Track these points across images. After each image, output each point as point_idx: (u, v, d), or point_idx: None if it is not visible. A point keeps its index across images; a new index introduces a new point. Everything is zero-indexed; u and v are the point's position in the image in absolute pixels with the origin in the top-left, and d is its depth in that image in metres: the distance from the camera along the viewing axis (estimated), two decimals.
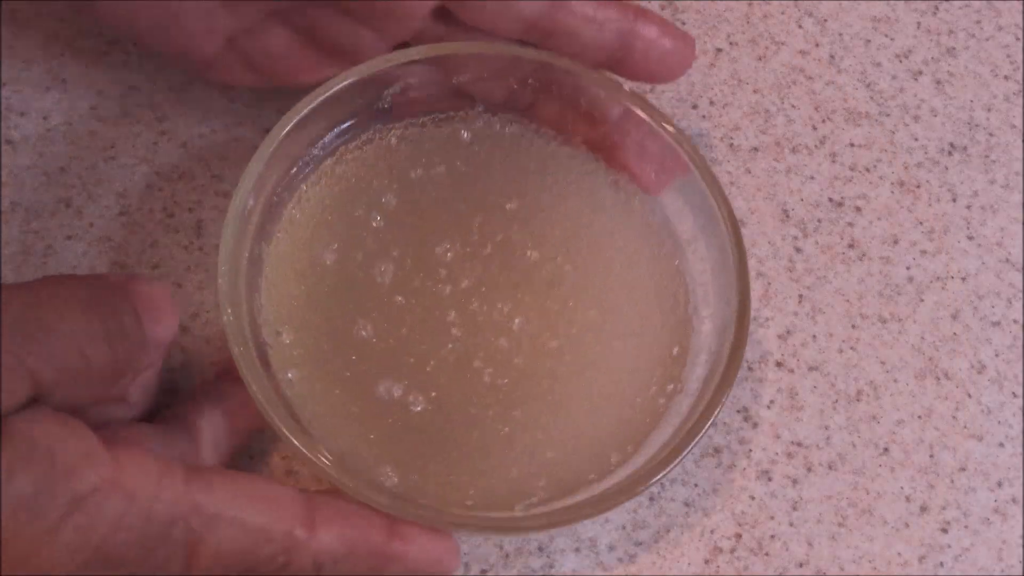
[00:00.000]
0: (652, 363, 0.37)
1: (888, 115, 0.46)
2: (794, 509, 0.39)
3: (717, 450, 0.39)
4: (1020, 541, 0.39)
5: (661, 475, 0.33)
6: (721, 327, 0.36)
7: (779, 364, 0.41)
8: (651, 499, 0.38)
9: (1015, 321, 0.42)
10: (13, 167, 0.41)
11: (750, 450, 0.39)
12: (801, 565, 0.38)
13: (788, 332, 0.41)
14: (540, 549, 0.37)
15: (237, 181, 0.35)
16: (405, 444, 0.35)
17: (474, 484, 0.34)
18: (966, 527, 0.39)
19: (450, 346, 0.36)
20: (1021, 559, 0.39)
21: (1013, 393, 0.41)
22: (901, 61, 0.47)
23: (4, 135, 0.41)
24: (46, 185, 0.41)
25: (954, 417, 0.41)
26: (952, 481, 0.40)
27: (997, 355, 0.42)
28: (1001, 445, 0.40)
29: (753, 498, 0.39)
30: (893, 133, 0.45)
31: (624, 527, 0.38)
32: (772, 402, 0.40)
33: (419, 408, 0.35)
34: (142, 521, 0.27)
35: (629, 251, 0.38)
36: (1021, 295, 0.43)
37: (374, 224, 0.37)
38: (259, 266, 0.35)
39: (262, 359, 0.34)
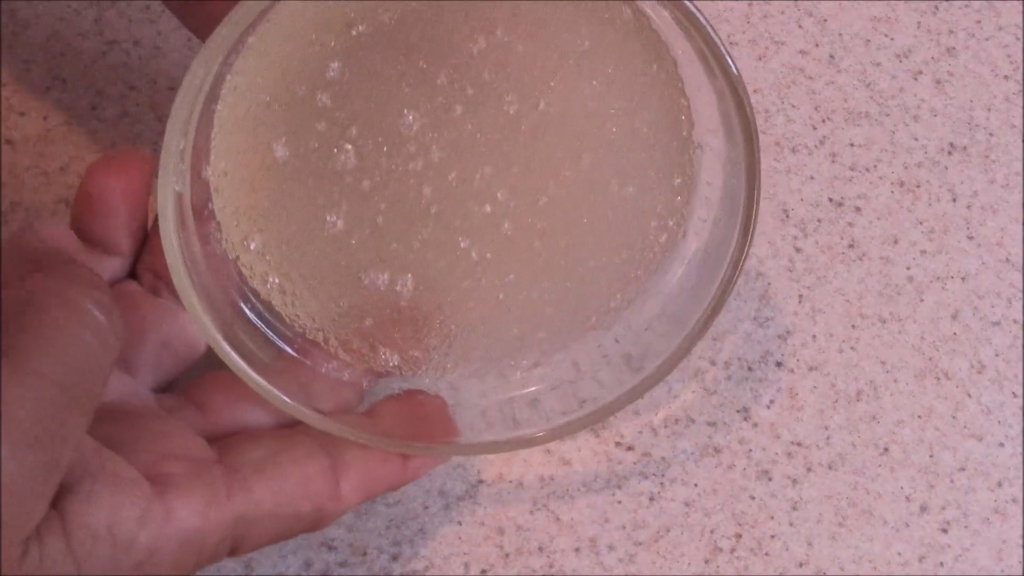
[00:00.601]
0: (652, 199, 0.34)
1: (888, 115, 0.46)
2: (794, 509, 0.39)
3: (717, 450, 0.39)
4: (1020, 541, 0.39)
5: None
6: (726, 159, 0.33)
7: (779, 364, 0.41)
8: (651, 499, 0.38)
9: (1015, 321, 0.42)
10: (13, 167, 0.41)
11: (750, 450, 0.39)
12: (801, 565, 0.38)
13: (788, 332, 0.41)
14: (540, 549, 0.37)
15: None
16: (401, 328, 0.33)
17: (476, 349, 0.34)
18: (966, 527, 0.39)
19: (431, 225, 0.33)
20: (1021, 559, 0.39)
21: (1013, 393, 0.41)
22: (901, 61, 0.47)
23: (4, 135, 0.41)
24: (46, 185, 0.41)
25: (954, 417, 0.41)
26: (952, 481, 0.40)
27: (997, 355, 0.42)
28: (1001, 445, 0.40)
29: (753, 498, 0.39)
30: (893, 133, 0.45)
31: (624, 527, 0.38)
32: (772, 402, 0.40)
33: (409, 291, 0.33)
34: (195, 555, 0.29)
35: (620, 78, 0.33)
36: (1021, 295, 0.43)
37: (320, 104, 0.32)
38: (207, 190, 0.32)
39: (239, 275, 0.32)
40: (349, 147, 0.32)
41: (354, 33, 0.32)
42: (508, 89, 0.32)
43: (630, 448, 0.39)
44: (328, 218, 0.33)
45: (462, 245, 0.33)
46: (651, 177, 0.34)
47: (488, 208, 0.33)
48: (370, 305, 0.33)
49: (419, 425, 0.34)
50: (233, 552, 0.31)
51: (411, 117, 0.32)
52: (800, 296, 0.42)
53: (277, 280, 0.33)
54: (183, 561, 0.29)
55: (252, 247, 0.33)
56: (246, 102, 0.32)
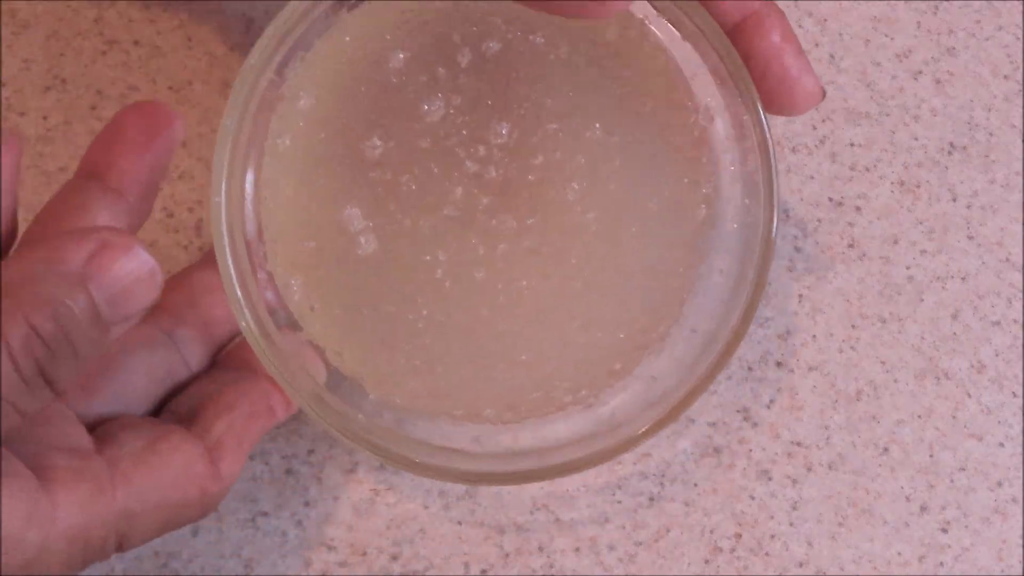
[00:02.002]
0: (611, 347, 0.35)
1: (888, 115, 0.46)
2: (794, 509, 0.39)
3: (717, 450, 0.39)
4: (1020, 541, 0.39)
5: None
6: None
7: (779, 364, 0.41)
8: (651, 499, 0.38)
9: (1015, 321, 0.42)
10: None
11: (750, 450, 0.39)
12: (801, 565, 0.38)
13: (788, 332, 0.41)
14: (540, 549, 0.37)
15: None
16: (331, 274, 0.33)
17: (459, 387, 0.34)
18: (966, 527, 0.39)
19: (432, 219, 0.33)
20: (1021, 559, 0.39)
21: (1013, 393, 0.41)
22: (901, 61, 0.47)
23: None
24: (46, 185, 0.41)
25: (954, 417, 0.41)
26: (952, 481, 0.40)
27: (997, 355, 0.42)
28: (1001, 445, 0.40)
29: (753, 498, 0.39)
30: (893, 133, 0.45)
31: (624, 527, 0.38)
32: (772, 402, 0.40)
33: (363, 252, 0.33)
34: (81, 551, 0.29)
35: (660, 250, 0.35)
36: (1021, 295, 0.43)
37: (459, 57, 0.33)
38: (320, 29, 0.33)
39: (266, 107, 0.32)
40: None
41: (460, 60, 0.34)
42: (582, 182, 0.34)
43: None
44: (374, 138, 0.33)
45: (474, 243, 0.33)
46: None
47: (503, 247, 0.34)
48: (334, 251, 0.33)
49: None
50: (120, 547, 0.30)
51: (504, 129, 0.34)
52: (800, 296, 0.42)
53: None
54: (71, 559, 0.28)
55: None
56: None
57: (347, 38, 0.33)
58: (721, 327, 0.34)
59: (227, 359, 0.35)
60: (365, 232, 0.33)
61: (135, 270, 0.28)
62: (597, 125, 0.34)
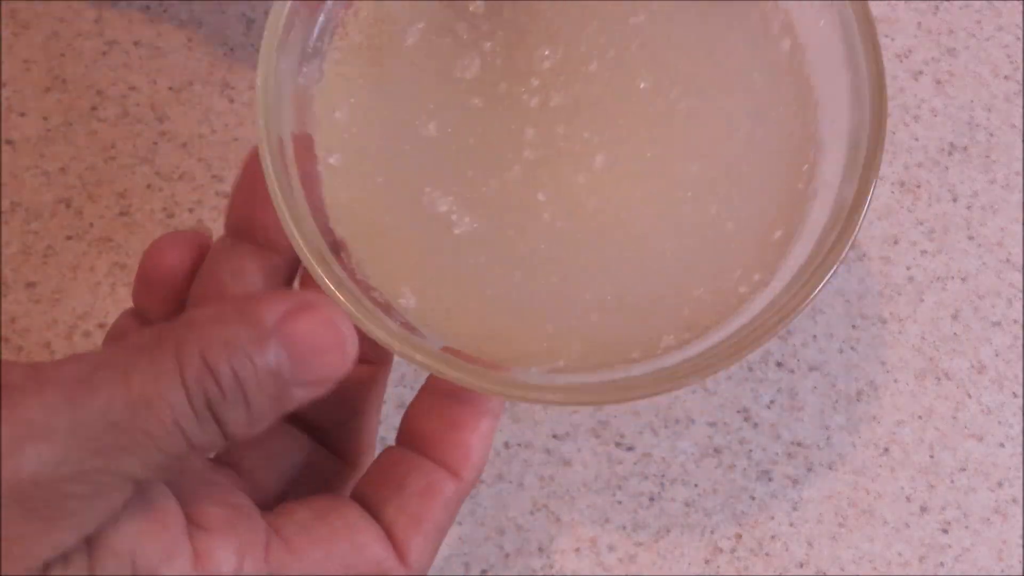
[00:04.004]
0: (746, 242, 0.32)
1: (888, 115, 0.46)
2: (794, 509, 0.39)
3: (717, 450, 0.39)
4: (1020, 541, 0.39)
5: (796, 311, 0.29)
6: (835, 208, 0.31)
7: (779, 364, 0.41)
8: (651, 499, 0.38)
9: (1015, 321, 0.42)
10: (13, 167, 0.41)
11: (750, 450, 0.39)
12: (801, 565, 0.38)
13: (788, 332, 0.41)
14: (540, 549, 0.37)
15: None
16: (434, 267, 0.31)
17: (507, 334, 0.31)
18: (966, 527, 0.39)
19: (517, 168, 0.31)
20: (1021, 559, 0.39)
21: (1013, 393, 0.41)
22: (901, 61, 0.47)
23: (4, 135, 0.41)
24: (46, 185, 0.41)
25: (954, 417, 0.41)
26: (952, 481, 0.40)
27: (997, 355, 0.42)
28: (1001, 445, 0.40)
29: (753, 498, 0.39)
30: (893, 133, 0.45)
31: (624, 527, 0.38)
32: (772, 402, 0.40)
33: (461, 230, 0.31)
34: None
35: (759, 104, 0.32)
36: (1021, 295, 0.43)
37: (472, 7, 0.32)
38: (329, 34, 0.31)
39: (303, 141, 0.30)
40: (477, 59, 0.32)
41: None
42: (648, 68, 0.32)
43: (630, 448, 0.39)
44: (423, 116, 0.31)
45: (539, 198, 0.31)
46: (750, 219, 0.32)
47: (581, 178, 0.31)
48: (413, 231, 0.31)
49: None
50: None
51: (547, 52, 0.32)
52: None
53: (337, 160, 0.31)
54: None
55: (337, 116, 0.31)
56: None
57: (359, 36, 0.33)
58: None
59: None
60: (452, 211, 0.31)
61: (327, 336, 0.27)
62: (637, 11, 0.32)
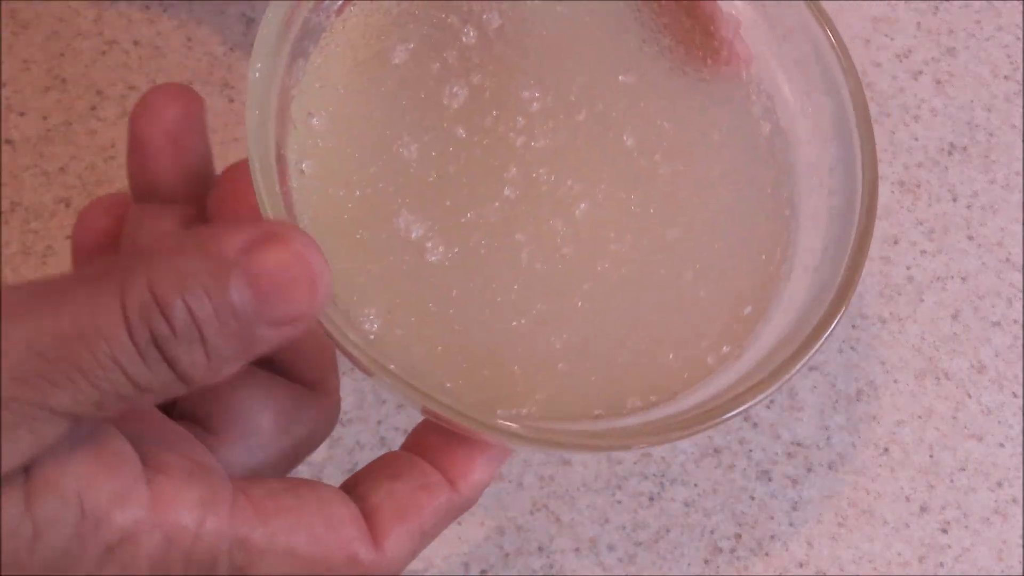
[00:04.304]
0: (717, 313, 0.31)
1: (888, 115, 0.46)
2: (794, 509, 0.39)
3: (717, 450, 0.39)
4: (1020, 541, 0.39)
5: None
6: (819, 286, 0.31)
7: None
8: (651, 499, 0.38)
9: (1015, 321, 0.42)
10: (13, 167, 0.41)
11: (750, 450, 0.39)
12: (801, 565, 0.38)
13: None
14: (540, 549, 0.37)
15: None
16: (403, 293, 0.30)
17: (472, 373, 0.30)
18: (966, 527, 0.39)
19: (496, 205, 0.31)
20: (1021, 559, 0.39)
21: (1013, 393, 0.41)
22: (901, 61, 0.47)
23: (4, 135, 0.41)
24: (46, 185, 0.41)
25: (954, 417, 0.41)
26: (952, 481, 0.40)
27: (997, 355, 0.42)
28: (1001, 445, 0.40)
29: (753, 498, 0.39)
30: (893, 133, 0.45)
31: (624, 527, 0.38)
32: (772, 402, 0.40)
33: (435, 259, 0.30)
34: (181, 562, 0.25)
35: (739, 180, 0.32)
36: (1021, 295, 0.43)
37: (464, 38, 0.32)
38: (314, 36, 0.30)
39: (279, 135, 0.29)
40: (465, 88, 0.31)
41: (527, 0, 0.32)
42: (633, 126, 0.32)
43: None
44: (405, 136, 0.31)
45: (516, 238, 0.31)
46: (722, 291, 0.32)
47: (558, 224, 0.31)
48: (382, 253, 0.30)
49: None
50: None
51: (536, 94, 0.32)
52: None
53: (308, 167, 0.31)
54: (169, 562, 0.25)
55: (314, 122, 0.31)
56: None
57: (343, 45, 0.33)
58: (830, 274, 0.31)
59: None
60: (427, 237, 0.30)
61: (296, 270, 0.24)
62: (628, 71, 0.32)
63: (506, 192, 0.31)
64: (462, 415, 0.27)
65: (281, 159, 0.29)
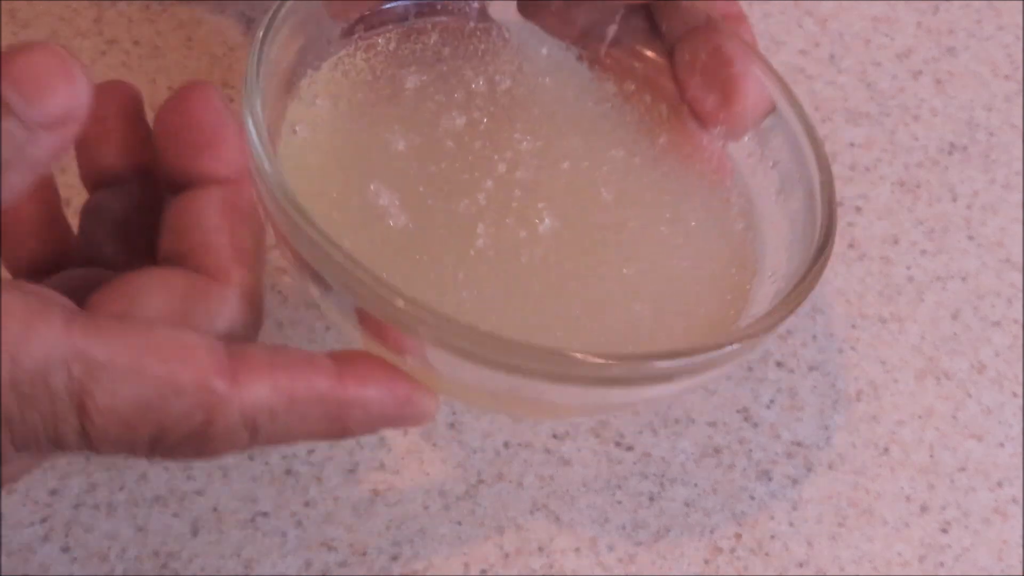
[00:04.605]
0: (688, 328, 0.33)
1: (888, 115, 0.46)
2: (794, 509, 0.39)
3: (717, 450, 0.39)
4: (1020, 541, 0.39)
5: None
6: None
7: (779, 364, 0.41)
8: (651, 499, 0.38)
9: (1015, 321, 0.42)
10: None
11: (750, 450, 0.39)
12: (801, 565, 0.38)
13: (788, 332, 0.41)
14: (540, 549, 0.37)
15: None
16: (369, 248, 0.31)
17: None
18: (966, 527, 0.39)
19: (466, 203, 0.33)
20: (1021, 559, 0.39)
21: (1013, 393, 0.41)
22: (901, 61, 0.47)
23: None
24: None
25: (954, 417, 0.41)
26: (952, 481, 0.40)
27: (997, 355, 0.42)
28: (1001, 445, 0.40)
29: (753, 498, 0.39)
30: (893, 133, 0.45)
31: (624, 527, 0.38)
32: (772, 402, 0.40)
33: (396, 224, 0.32)
34: (8, 372, 0.24)
35: (703, 257, 0.35)
36: (1021, 295, 0.43)
37: (474, 85, 0.35)
38: (350, 38, 0.34)
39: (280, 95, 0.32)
40: (461, 120, 0.34)
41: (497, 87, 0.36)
42: (614, 186, 0.34)
43: (630, 448, 0.39)
44: (397, 127, 0.33)
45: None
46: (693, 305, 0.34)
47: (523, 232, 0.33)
48: (359, 224, 0.32)
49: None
50: (83, 406, 0.24)
51: (528, 138, 0.35)
52: None
53: (302, 129, 0.33)
54: (19, 391, 0.24)
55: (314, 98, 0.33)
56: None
57: (362, 60, 0.35)
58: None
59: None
60: (393, 208, 0.32)
61: (50, 63, 0.24)
62: (620, 148, 0.35)
63: (479, 197, 0.33)
64: (401, 298, 0.27)
65: (276, 119, 0.32)
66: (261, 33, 0.31)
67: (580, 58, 0.37)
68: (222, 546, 0.36)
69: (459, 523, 0.37)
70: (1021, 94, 0.46)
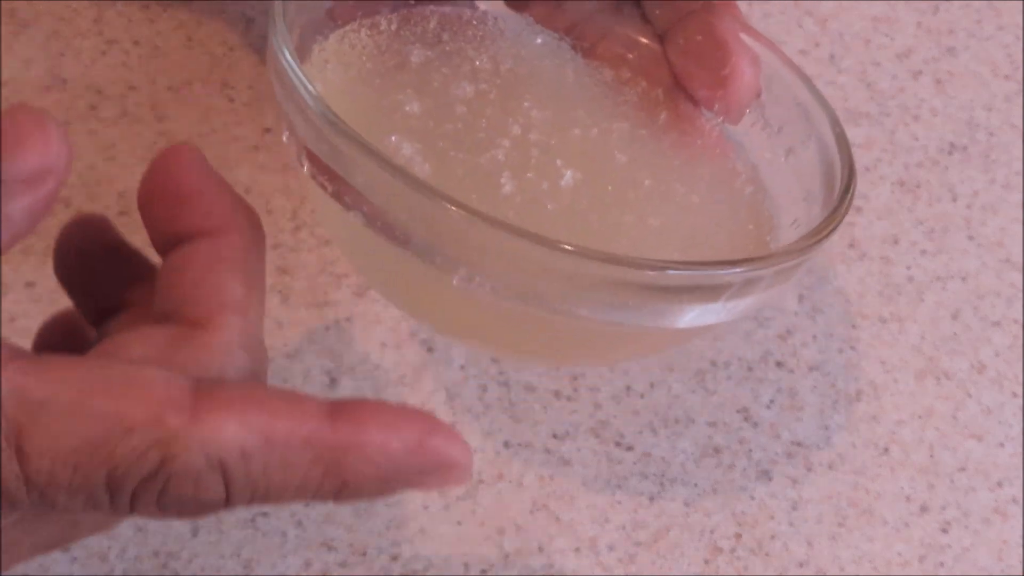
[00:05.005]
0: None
1: (888, 115, 0.46)
2: (794, 509, 0.39)
3: (717, 450, 0.39)
4: (1020, 541, 0.39)
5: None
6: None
7: (779, 364, 0.41)
8: (651, 499, 0.38)
9: (1015, 321, 0.42)
10: None
11: (750, 450, 0.39)
12: (801, 565, 0.38)
13: (788, 332, 0.41)
14: (540, 549, 0.37)
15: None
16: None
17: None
18: (966, 527, 0.39)
19: (487, 156, 0.32)
20: (1021, 559, 0.39)
21: (1013, 393, 0.41)
22: (901, 61, 0.47)
23: None
24: None
25: (954, 417, 0.41)
26: (952, 481, 0.40)
27: (997, 355, 0.42)
28: (1001, 445, 0.40)
29: (753, 498, 0.39)
30: (893, 133, 0.45)
31: (624, 527, 0.38)
32: (772, 402, 0.40)
33: (425, 174, 0.31)
34: None
35: (717, 213, 0.35)
36: (1021, 295, 0.43)
37: (478, 62, 0.36)
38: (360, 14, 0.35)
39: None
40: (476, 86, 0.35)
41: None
42: (625, 150, 0.34)
43: (630, 448, 0.39)
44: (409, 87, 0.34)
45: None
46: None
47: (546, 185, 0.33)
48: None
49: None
50: (19, 452, 0.22)
51: (536, 107, 0.34)
52: (800, 296, 0.42)
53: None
54: None
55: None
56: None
57: (367, 37, 0.35)
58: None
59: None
60: (417, 157, 0.31)
61: (24, 120, 0.24)
62: (624, 121, 0.35)
63: (498, 154, 0.32)
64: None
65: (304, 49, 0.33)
66: None
67: (574, 48, 0.38)
68: (222, 546, 0.36)
69: (459, 523, 0.37)
70: (1021, 94, 0.46)
